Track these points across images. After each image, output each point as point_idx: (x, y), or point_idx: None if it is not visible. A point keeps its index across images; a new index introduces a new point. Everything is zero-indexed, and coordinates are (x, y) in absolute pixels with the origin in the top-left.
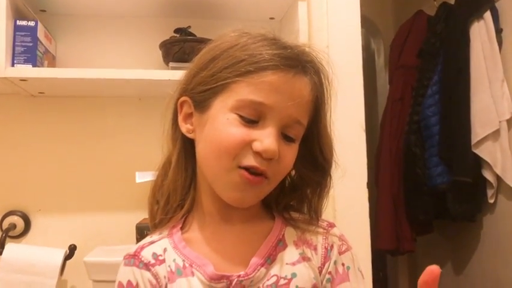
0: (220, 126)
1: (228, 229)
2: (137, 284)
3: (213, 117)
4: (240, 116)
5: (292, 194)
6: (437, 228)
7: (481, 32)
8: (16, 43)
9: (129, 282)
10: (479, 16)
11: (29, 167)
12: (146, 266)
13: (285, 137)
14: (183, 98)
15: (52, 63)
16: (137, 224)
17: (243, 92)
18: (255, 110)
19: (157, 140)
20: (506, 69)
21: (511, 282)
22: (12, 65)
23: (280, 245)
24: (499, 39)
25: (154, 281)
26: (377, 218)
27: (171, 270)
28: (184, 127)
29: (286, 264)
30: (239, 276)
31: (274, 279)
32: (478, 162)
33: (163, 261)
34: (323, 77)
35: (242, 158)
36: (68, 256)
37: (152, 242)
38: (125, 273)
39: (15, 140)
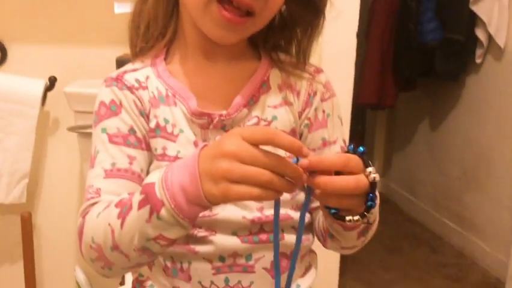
0: None
1: (211, 65)
2: (121, 103)
3: None
4: None
5: (281, 32)
6: (420, 85)
7: None
8: None
9: (112, 100)
10: None
11: None
12: (130, 89)
13: None
14: None
15: None
16: (117, 57)
17: None
18: None
19: None
20: None
21: (480, 140)
22: None
23: (264, 87)
24: None
25: (139, 103)
26: (363, 71)
27: (154, 96)
28: None
29: (268, 106)
30: (221, 115)
31: (255, 120)
32: (472, 20)
33: (146, 87)
34: None
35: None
36: (49, 87)
37: (134, 70)
38: (108, 93)
39: None
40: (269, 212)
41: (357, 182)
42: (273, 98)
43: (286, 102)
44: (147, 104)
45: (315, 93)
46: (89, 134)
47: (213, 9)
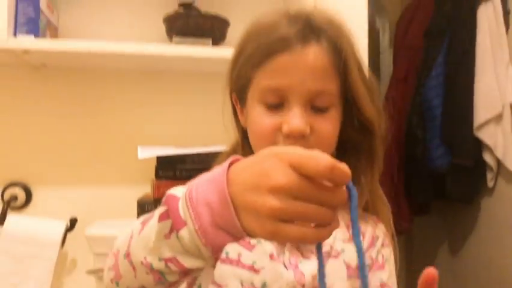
0: (254, 119)
1: None
2: None
3: (249, 111)
4: (266, 104)
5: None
6: (435, 209)
7: (488, 13)
8: (18, 13)
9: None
10: None
11: (30, 139)
12: None
13: (315, 108)
14: (233, 95)
15: (54, 34)
16: (138, 199)
17: (262, 82)
18: (276, 95)
19: (159, 115)
20: None
21: (503, 266)
22: (15, 35)
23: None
24: (506, 22)
25: None
26: None
27: None
28: (242, 120)
29: (338, 240)
30: None
31: (328, 247)
32: (479, 145)
33: None
34: (334, 34)
35: (278, 141)
36: (69, 228)
37: None
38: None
39: (17, 112)
40: None
41: None
42: (342, 233)
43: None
44: None
45: (378, 238)
46: None
47: (279, 141)
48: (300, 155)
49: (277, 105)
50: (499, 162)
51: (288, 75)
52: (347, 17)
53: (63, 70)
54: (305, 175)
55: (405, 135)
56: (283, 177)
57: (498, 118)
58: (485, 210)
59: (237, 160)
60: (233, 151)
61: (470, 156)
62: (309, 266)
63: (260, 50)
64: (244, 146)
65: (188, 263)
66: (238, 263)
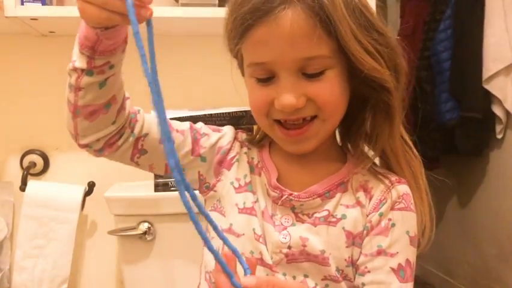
0: (249, 92)
1: (297, 160)
2: (224, 133)
3: (245, 82)
4: (257, 79)
5: (361, 114)
6: (444, 163)
7: None
8: None
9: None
10: None
11: (43, 106)
12: (240, 142)
13: (308, 75)
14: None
15: (61, 1)
16: None
17: (247, 57)
18: (263, 70)
19: (167, 78)
20: None
21: None
22: (22, 4)
23: (342, 186)
24: None
25: (235, 150)
26: None
27: (249, 161)
28: None
29: (341, 204)
30: (290, 194)
31: (325, 213)
32: (488, 98)
33: (248, 149)
34: None
35: (272, 113)
36: (88, 192)
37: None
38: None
39: (28, 80)
40: None
41: None
42: (347, 198)
43: (359, 203)
44: (245, 162)
45: (385, 201)
46: (130, 237)
47: (277, 130)
48: None
49: (266, 78)
50: (508, 114)
51: (269, 48)
52: None
53: (72, 37)
54: None
55: (413, 91)
56: None
57: (508, 70)
58: (494, 161)
59: None
60: None
61: (479, 109)
62: (299, 229)
63: (236, 25)
64: None
65: (78, 62)
66: (244, 210)
